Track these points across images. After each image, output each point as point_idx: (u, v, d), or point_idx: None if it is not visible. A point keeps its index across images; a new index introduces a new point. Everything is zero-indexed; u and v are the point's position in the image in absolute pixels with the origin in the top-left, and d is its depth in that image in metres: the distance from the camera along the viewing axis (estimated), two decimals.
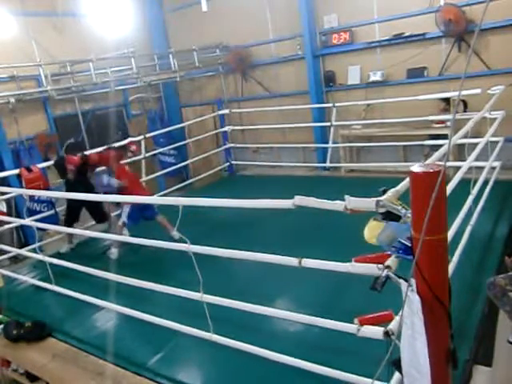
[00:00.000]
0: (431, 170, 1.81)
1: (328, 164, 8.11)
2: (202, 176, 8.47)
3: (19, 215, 6.39)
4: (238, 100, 9.86)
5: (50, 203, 6.59)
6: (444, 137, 6.64)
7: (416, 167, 1.88)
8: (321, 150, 8.64)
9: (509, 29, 6.61)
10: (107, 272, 3.93)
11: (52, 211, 6.40)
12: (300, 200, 2.41)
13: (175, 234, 4.46)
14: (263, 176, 8.81)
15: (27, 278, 5.12)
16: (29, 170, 5.99)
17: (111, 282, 3.91)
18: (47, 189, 6.12)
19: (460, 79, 6.94)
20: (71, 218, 5.96)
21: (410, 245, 2.00)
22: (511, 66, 6.68)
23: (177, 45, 9.50)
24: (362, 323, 2.43)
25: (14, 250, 5.51)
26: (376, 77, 7.90)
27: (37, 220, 5.55)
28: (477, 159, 4.51)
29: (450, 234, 3.21)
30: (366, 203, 2.12)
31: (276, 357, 2.95)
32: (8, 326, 4.22)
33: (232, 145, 9.15)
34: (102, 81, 7.90)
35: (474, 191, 4.37)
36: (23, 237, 7.05)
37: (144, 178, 7.11)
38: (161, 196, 7.07)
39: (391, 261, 2.22)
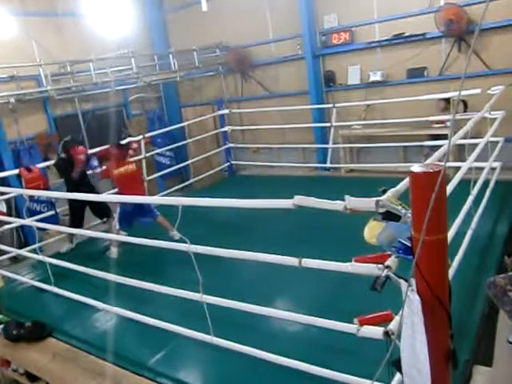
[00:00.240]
0: (431, 170, 1.81)
1: (328, 164, 8.11)
2: (202, 176, 8.47)
3: (19, 215, 6.39)
4: (238, 100, 9.87)
5: (50, 203, 6.59)
6: (444, 137, 6.63)
7: (416, 167, 1.88)
8: (321, 151, 8.63)
9: (509, 29, 6.62)
10: (107, 272, 3.93)
11: (52, 211, 6.40)
12: (300, 200, 2.41)
13: (175, 233, 4.46)
14: (263, 176, 8.81)
15: (27, 280, 5.11)
16: (29, 169, 5.99)
17: (111, 283, 3.91)
18: (47, 189, 6.12)
19: (460, 79, 6.94)
20: (77, 218, 5.91)
21: (409, 245, 2.00)
22: (511, 66, 6.68)
23: (177, 45, 9.50)
24: (361, 323, 2.43)
25: (14, 251, 5.51)
26: (376, 77, 7.90)
27: (37, 220, 5.55)
28: (477, 159, 4.51)
29: (450, 233, 3.21)
30: (366, 203, 2.12)
31: (275, 359, 2.95)
32: (8, 326, 4.22)
33: (232, 145, 9.15)
34: (102, 81, 7.90)
35: (474, 191, 4.36)
36: (23, 237, 7.04)
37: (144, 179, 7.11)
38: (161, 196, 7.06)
39: (391, 261, 2.22)
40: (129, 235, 4.96)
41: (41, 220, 5.85)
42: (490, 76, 6.81)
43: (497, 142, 5.56)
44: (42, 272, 4.94)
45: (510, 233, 4.87)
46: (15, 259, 6.36)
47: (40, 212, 6.46)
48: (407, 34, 7.44)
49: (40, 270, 5.27)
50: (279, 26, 8.85)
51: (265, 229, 5.58)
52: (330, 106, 8.13)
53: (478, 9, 6.60)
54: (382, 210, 2.10)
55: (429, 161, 2.86)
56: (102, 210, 6.10)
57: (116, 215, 5.56)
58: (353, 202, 2.18)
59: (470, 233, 4.15)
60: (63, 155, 5.88)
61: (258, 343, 3.10)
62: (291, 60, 8.84)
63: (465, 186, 4.12)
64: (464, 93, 5.90)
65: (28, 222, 5.08)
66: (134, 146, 6.38)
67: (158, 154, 8.54)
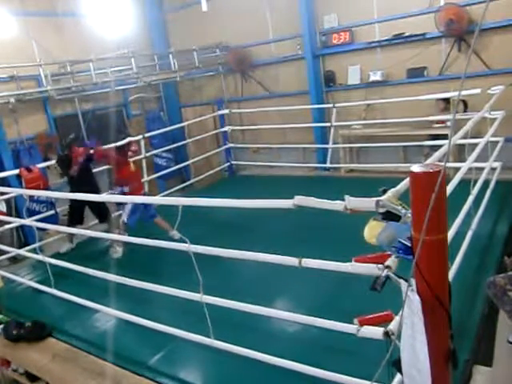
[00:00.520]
0: (431, 170, 1.81)
1: (328, 165, 8.11)
2: (202, 176, 8.47)
3: (19, 215, 6.39)
4: (238, 100, 9.86)
5: (50, 203, 6.59)
6: (444, 137, 6.63)
7: (416, 167, 1.88)
8: (321, 151, 8.63)
9: (509, 29, 6.62)
10: (107, 273, 3.93)
11: (52, 211, 6.40)
12: (300, 200, 2.41)
13: (175, 233, 4.46)
14: (263, 176, 8.81)
15: (26, 281, 5.11)
16: (29, 170, 5.99)
17: (111, 283, 3.91)
18: (47, 189, 6.11)
19: (460, 79, 6.94)
20: (74, 218, 5.92)
21: (409, 245, 2.00)
22: (511, 66, 6.68)
23: (177, 45, 9.50)
24: (361, 323, 2.43)
25: (14, 250, 5.51)
26: (376, 77, 7.90)
27: (37, 220, 5.55)
28: (477, 159, 4.51)
29: (450, 233, 3.21)
30: (366, 203, 2.12)
31: (275, 361, 2.95)
32: (8, 326, 4.21)
33: (232, 145, 9.15)
34: (102, 81, 7.90)
35: (474, 191, 4.36)
36: (23, 237, 7.04)
37: (144, 179, 7.11)
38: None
39: (391, 261, 2.22)
40: (129, 235, 4.97)
41: (41, 220, 5.85)
42: (489, 76, 6.81)
43: (497, 142, 5.56)
44: (42, 272, 4.94)
45: (510, 233, 4.87)
46: (15, 259, 6.36)
47: (39, 212, 6.46)
48: (407, 34, 7.44)
49: (40, 270, 5.26)
50: (279, 25, 8.85)
51: (265, 229, 5.58)
52: (330, 105, 8.13)
53: (478, 9, 6.60)
54: (382, 210, 2.10)
55: (429, 161, 2.86)
56: (101, 211, 6.11)
57: (127, 210, 5.56)
58: (353, 202, 2.18)
59: (470, 233, 4.15)
60: (65, 152, 5.90)
61: (257, 343, 3.11)
62: (291, 60, 8.84)
63: (465, 186, 4.12)
64: (464, 93, 5.90)
65: (28, 221, 5.08)
66: (133, 148, 6.37)
67: (154, 155, 8.43)
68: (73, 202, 5.90)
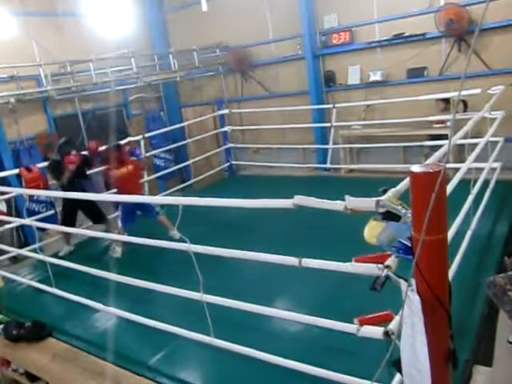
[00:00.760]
0: (431, 170, 1.81)
1: (328, 165, 8.11)
2: (202, 176, 8.47)
3: (19, 215, 6.39)
4: (237, 100, 9.86)
5: (50, 203, 6.59)
6: (444, 137, 6.62)
7: (416, 167, 1.88)
8: (321, 151, 8.63)
9: (509, 29, 6.61)
10: (107, 272, 3.93)
11: (52, 211, 6.39)
12: (300, 200, 2.41)
13: (175, 233, 4.47)
14: (263, 176, 8.82)
15: (26, 281, 5.11)
16: (28, 169, 5.98)
17: (112, 282, 3.91)
18: (47, 189, 6.11)
19: (460, 79, 6.94)
20: (67, 220, 5.86)
21: (409, 245, 2.00)
22: (511, 66, 6.68)
23: (177, 45, 9.49)
24: (361, 323, 2.43)
25: (14, 250, 5.51)
26: (376, 77, 7.90)
27: (37, 220, 5.55)
28: (477, 159, 4.51)
29: (450, 233, 3.21)
30: (366, 203, 2.12)
31: (275, 360, 2.95)
32: (8, 326, 4.22)
33: (232, 145, 9.15)
34: (102, 81, 7.89)
35: (474, 191, 4.37)
36: (23, 237, 7.04)
37: (143, 179, 7.11)
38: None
39: (391, 261, 2.22)
40: (130, 235, 4.97)
41: (40, 220, 5.85)
42: (489, 76, 6.81)
43: (497, 142, 5.56)
44: (42, 272, 4.95)
45: (510, 233, 4.87)
46: (15, 259, 6.36)
47: (39, 212, 6.46)
48: (407, 34, 7.44)
49: (40, 270, 5.27)
50: (279, 25, 8.85)
51: (265, 229, 5.58)
52: (330, 106, 8.13)
53: (478, 9, 6.60)
54: (382, 210, 2.10)
55: (429, 161, 2.86)
56: (94, 215, 6.11)
57: (119, 217, 5.56)
58: (353, 202, 2.18)
59: (469, 233, 4.15)
60: (58, 157, 5.85)
61: (258, 343, 3.11)
62: (291, 60, 8.84)
63: (465, 186, 4.12)
64: (464, 93, 5.91)
65: (28, 221, 5.08)
66: (137, 152, 6.34)
67: (153, 155, 8.35)
68: (65, 204, 5.87)
